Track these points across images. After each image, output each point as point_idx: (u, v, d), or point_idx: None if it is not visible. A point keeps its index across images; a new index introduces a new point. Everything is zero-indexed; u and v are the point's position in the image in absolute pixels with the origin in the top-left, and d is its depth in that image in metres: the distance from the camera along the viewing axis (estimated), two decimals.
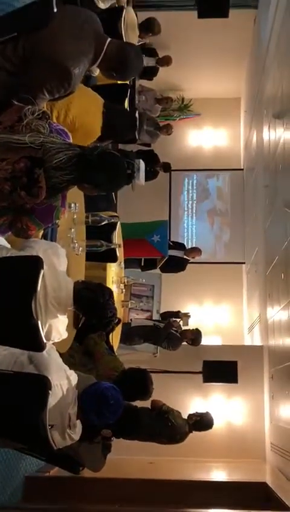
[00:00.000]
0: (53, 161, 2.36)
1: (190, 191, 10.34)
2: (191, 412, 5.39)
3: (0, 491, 4.67)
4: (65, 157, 2.37)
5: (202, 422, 5.32)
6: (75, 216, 3.75)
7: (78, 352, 3.97)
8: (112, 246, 4.32)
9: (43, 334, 2.41)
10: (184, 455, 6.34)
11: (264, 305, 7.21)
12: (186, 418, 5.28)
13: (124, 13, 5.13)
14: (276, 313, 6.30)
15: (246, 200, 9.90)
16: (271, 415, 6.72)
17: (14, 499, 4.95)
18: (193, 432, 5.19)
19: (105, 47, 2.77)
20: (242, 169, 10.24)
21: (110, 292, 2.70)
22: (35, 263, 2.41)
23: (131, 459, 6.39)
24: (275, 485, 4.96)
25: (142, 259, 7.37)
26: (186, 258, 7.99)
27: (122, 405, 2.86)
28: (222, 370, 6.83)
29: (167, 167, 8.73)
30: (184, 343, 6.81)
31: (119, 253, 5.05)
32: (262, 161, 7.73)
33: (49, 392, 2.55)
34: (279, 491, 4.65)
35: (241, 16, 7.91)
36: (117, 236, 4.88)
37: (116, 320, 2.72)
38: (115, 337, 5.08)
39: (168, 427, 5.04)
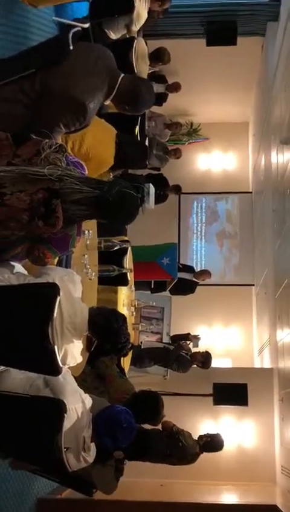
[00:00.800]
0: (71, 197, 2.46)
1: (199, 214, 10.44)
2: (202, 434, 5.44)
3: None
4: (84, 197, 2.46)
5: (212, 443, 5.36)
6: (88, 242, 3.86)
7: (90, 376, 4.04)
8: (124, 271, 4.41)
9: (59, 359, 2.49)
10: (194, 478, 6.35)
11: (274, 328, 7.24)
12: (196, 439, 5.33)
13: (135, 43, 5.29)
14: (286, 336, 6.34)
15: (255, 222, 9.99)
16: (281, 437, 6.72)
17: None
18: (203, 453, 5.23)
19: (118, 82, 2.90)
20: (251, 193, 10.35)
21: (124, 318, 2.78)
22: (52, 290, 2.50)
23: (142, 481, 6.40)
24: (285, 507, 4.96)
25: (152, 282, 7.45)
26: (196, 280, 8.07)
27: (135, 429, 2.92)
28: (232, 393, 6.86)
29: (178, 189, 8.84)
30: (194, 365, 6.85)
31: (130, 277, 5.14)
32: (270, 185, 7.83)
33: (65, 415, 2.62)
34: None
35: (249, 43, 8.07)
36: (128, 261, 4.97)
37: (130, 345, 2.79)
38: (126, 360, 5.15)
39: (179, 448, 5.08)
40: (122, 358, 4.65)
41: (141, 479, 6.36)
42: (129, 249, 4.87)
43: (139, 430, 3.07)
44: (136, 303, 5.71)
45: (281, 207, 6.82)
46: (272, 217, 7.64)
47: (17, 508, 4.78)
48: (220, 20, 7.72)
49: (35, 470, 3.42)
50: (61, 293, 2.49)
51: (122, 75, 2.91)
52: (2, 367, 2.72)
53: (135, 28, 5.66)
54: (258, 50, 8.47)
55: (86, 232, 3.62)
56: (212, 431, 5.76)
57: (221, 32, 7.65)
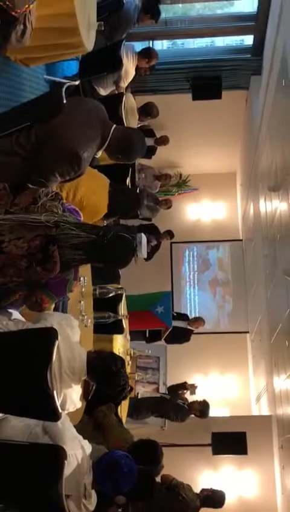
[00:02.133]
0: (68, 243, 2.52)
1: (191, 262, 10.55)
2: (204, 487, 5.35)
3: None
4: (80, 242, 2.53)
5: (213, 498, 5.27)
6: (83, 289, 3.90)
7: (88, 426, 4.00)
8: (119, 317, 4.44)
9: (58, 404, 2.49)
10: None
11: (271, 374, 7.22)
12: (198, 492, 5.23)
13: (124, 99, 5.47)
14: (283, 382, 6.32)
15: (246, 269, 10.08)
16: (283, 486, 6.60)
17: None
18: (203, 506, 5.13)
19: (111, 133, 3.02)
20: (241, 240, 10.49)
21: (122, 361, 2.80)
22: (50, 335, 2.53)
23: None
24: None
25: (147, 331, 7.44)
26: (190, 328, 8.07)
27: (136, 473, 2.89)
28: (231, 441, 6.78)
29: (171, 234, 8.96)
30: (192, 415, 6.77)
31: (126, 324, 5.16)
32: (260, 232, 7.97)
33: (65, 462, 2.60)
34: None
35: (233, 96, 8.35)
36: (123, 308, 5.00)
37: (129, 388, 2.80)
38: (123, 410, 5.11)
39: (179, 502, 5.00)
40: (119, 408, 4.62)
41: None
42: (124, 296, 4.91)
43: (140, 470, 3.02)
44: (132, 352, 5.70)
45: (272, 252, 6.92)
46: (263, 262, 7.73)
47: None
48: (205, 76, 8.00)
49: None
50: (59, 338, 2.52)
51: (114, 125, 3.03)
52: (1, 415, 2.71)
53: (124, 84, 5.88)
54: (243, 103, 8.76)
55: (82, 278, 3.67)
56: (213, 482, 5.68)
57: (206, 86, 7.92)
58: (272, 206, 6.81)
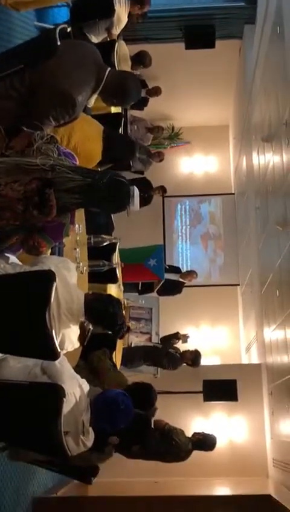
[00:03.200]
0: (64, 186, 2.53)
1: (183, 216, 10.57)
2: (196, 431, 5.51)
3: None
4: (76, 185, 2.54)
5: (204, 442, 5.43)
6: (78, 238, 3.93)
7: (84, 370, 4.09)
8: (114, 265, 4.49)
9: (57, 344, 2.55)
10: (187, 474, 6.41)
11: (261, 324, 7.35)
12: (190, 436, 5.39)
13: (116, 46, 5.39)
14: (272, 330, 6.45)
15: (238, 223, 10.13)
16: (272, 430, 6.81)
17: None
18: (195, 450, 5.30)
19: (105, 76, 2.99)
20: (233, 194, 10.50)
21: (119, 302, 2.86)
22: (48, 277, 2.57)
23: (136, 480, 6.46)
24: (279, 497, 5.04)
25: (140, 284, 7.52)
26: (183, 280, 8.16)
27: (132, 410, 2.99)
28: (221, 389, 6.94)
29: (163, 190, 8.96)
30: (184, 364, 6.91)
31: (119, 274, 5.22)
32: (253, 184, 7.97)
33: (64, 399, 2.68)
34: (284, 501, 4.73)
35: (227, 45, 8.22)
36: (117, 258, 5.05)
37: (126, 327, 2.87)
38: (118, 357, 5.22)
39: (173, 446, 5.16)
40: (114, 354, 4.72)
41: (136, 478, 6.43)
42: (118, 245, 4.95)
43: (136, 414, 3.13)
44: (125, 302, 5.77)
45: (264, 204, 6.95)
46: (255, 215, 7.77)
47: (13, 507, 4.80)
48: (198, 24, 7.86)
49: (34, 460, 3.47)
50: (57, 280, 2.56)
51: (109, 68, 3.01)
52: (1, 355, 2.78)
53: (116, 31, 5.76)
54: (236, 53, 8.63)
55: (77, 226, 3.69)
56: (204, 428, 5.84)
57: (199, 35, 7.79)
58: (265, 158, 6.80)
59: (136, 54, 7.06)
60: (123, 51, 5.49)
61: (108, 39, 5.76)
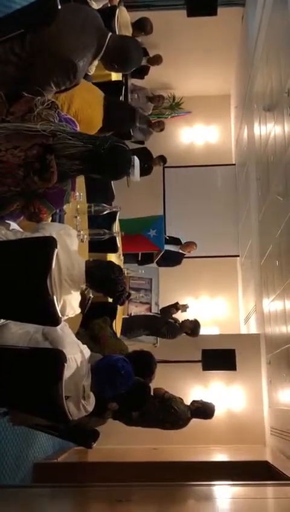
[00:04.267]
0: (65, 152, 2.51)
1: (183, 187, 10.52)
2: (195, 399, 5.58)
3: (11, 478, 4.82)
4: (77, 151, 2.52)
5: (203, 410, 5.50)
6: (78, 206, 3.92)
7: (84, 337, 4.10)
8: (114, 234, 4.49)
9: (58, 309, 2.57)
10: (186, 442, 6.52)
11: (260, 295, 7.39)
12: (189, 404, 5.47)
13: (117, 12, 5.31)
14: (271, 301, 6.49)
15: (238, 194, 10.09)
16: (270, 399, 6.91)
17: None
18: (193, 418, 5.37)
19: (107, 40, 2.95)
20: (234, 165, 10.44)
21: (120, 269, 2.87)
22: (50, 243, 2.57)
23: (135, 447, 6.57)
24: (276, 463, 5.14)
25: (140, 254, 7.53)
26: (182, 252, 8.17)
27: (132, 375, 3.03)
28: (220, 358, 7.02)
29: (163, 160, 8.90)
30: (183, 334, 6.96)
31: (119, 243, 5.23)
32: (254, 155, 7.93)
33: (65, 364, 2.71)
34: (281, 467, 4.82)
35: (229, 13, 8.11)
36: (117, 227, 5.05)
37: (127, 294, 2.88)
38: (118, 325, 5.26)
39: (172, 414, 5.23)
40: (114, 322, 4.75)
41: (135, 445, 6.53)
42: (118, 214, 4.94)
43: (136, 380, 3.17)
44: (126, 272, 5.78)
45: (265, 175, 6.92)
46: (255, 186, 7.75)
47: (14, 472, 4.89)
48: None
49: (36, 425, 3.53)
50: (58, 246, 2.57)
51: (110, 33, 2.96)
52: (2, 321, 2.80)
53: None
54: (239, 20, 8.50)
55: (78, 194, 3.68)
56: (203, 397, 5.92)
57: (201, 2, 7.66)
58: (267, 128, 6.75)
59: (137, 21, 6.97)
60: (124, 18, 5.41)
61: (109, 5, 5.68)
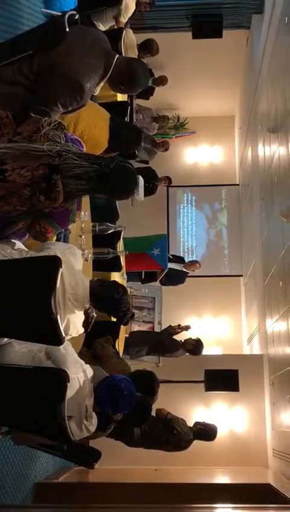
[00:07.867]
0: (71, 172, 2.53)
1: (187, 207, 10.57)
2: (198, 420, 5.54)
3: (12, 498, 4.78)
4: (83, 171, 2.54)
5: (205, 432, 5.45)
6: (83, 225, 3.94)
7: (87, 357, 4.10)
8: (118, 253, 4.50)
9: (62, 328, 2.57)
10: (188, 463, 6.47)
11: (263, 315, 7.37)
12: (191, 425, 5.42)
13: (123, 34, 5.37)
14: (275, 321, 6.46)
15: (242, 214, 10.13)
16: (273, 421, 6.85)
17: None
18: (196, 439, 5.33)
19: (114, 63, 2.99)
20: (238, 185, 10.49)
21: (124, 289, 2.88)
22: (55, 262, 2.58)
23: (137, 468, 6.51)
24: (279, 485, 5.08)
25: (143, 273, 7.52)
26: (186, 270, 8.17)
27: (136, 396, 3.01)
28: (223, 379, 6.95)
29: (170, 180, 8.95)
30: (187, 353, 6.92)
31: (123, 262, 5.23)
32: (258, 175, 7.96)
33: (68, 384, 2.70)
34: (283, 490, 4.77)
35: (234, 36, 8.20)
36: (121, 246, 5.06)
37: (131, 314, 2.89)
38: (120, 345, 5.24)
39: (174, 435, 5.19)
40: (117, 342, 4.74)
41: (136, 466, 6.48)
42: (122, 233, 4.96)
43: (138, 396, 3.15)
44: (129, 290, 5.78)
45: (269, 195, 6.95)
46: (260, 206, 7.77)
47: (15, 492, 4.85)
48: (205, 13, 7.83)
49: (38, 445, 3.50)
50: (63, 265, 2.58)
51: (117, 55, 3.00)
52: (5, 339, 2.80)
53: (123, 19, 5.76)
54: (244, 43, 8.60)
55: (83, 213, 3.70)
56: (205, 418, 5.87)
57: (207, 25, 7.78)
58: (271, 149, 6.79)
59: (143, 42, 7.06)
60: (130, 40, 5.46)
61: (115, 27, 5.75)
